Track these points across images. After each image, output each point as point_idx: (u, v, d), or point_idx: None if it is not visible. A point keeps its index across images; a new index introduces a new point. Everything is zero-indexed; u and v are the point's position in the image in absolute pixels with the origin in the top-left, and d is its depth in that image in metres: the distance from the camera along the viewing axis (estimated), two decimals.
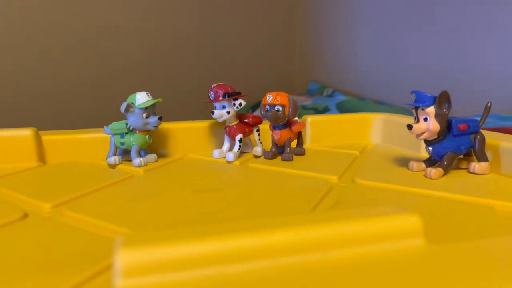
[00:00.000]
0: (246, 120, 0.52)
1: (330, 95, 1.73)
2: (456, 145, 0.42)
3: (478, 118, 0.44)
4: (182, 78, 1.59)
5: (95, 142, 0.52)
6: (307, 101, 1.64)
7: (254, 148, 0.53)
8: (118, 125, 0.49)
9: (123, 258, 0.17)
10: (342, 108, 1.52)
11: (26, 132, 0.49)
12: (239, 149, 0.51)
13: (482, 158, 0.43)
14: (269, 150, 0.52)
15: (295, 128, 0.52)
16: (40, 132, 0.51)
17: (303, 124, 0.53)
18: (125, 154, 0.50)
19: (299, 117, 0.58)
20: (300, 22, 1.99)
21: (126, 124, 0.48)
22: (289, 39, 1.99)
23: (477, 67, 1.33)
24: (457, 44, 1.38)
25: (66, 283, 0.22)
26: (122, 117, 0.49)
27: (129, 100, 0.48)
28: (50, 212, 0.35)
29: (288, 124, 0.51)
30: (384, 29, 1.63)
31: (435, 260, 0.19)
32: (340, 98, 1.62)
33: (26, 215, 0.33)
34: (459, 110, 1.18)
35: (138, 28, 1.45)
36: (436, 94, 0.41)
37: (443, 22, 1.41)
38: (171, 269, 0.17)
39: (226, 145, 0.53)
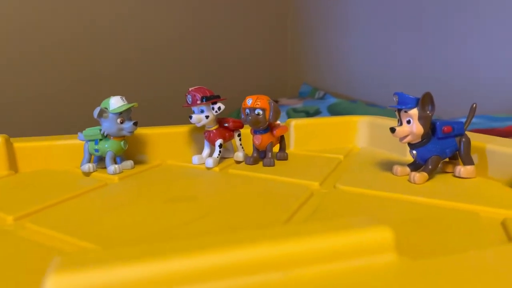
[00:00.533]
0: (227, 125, 0.50)
1: (322, 98, 1.72)
2: (440, 148, 0.41)
3: (464, 120, 0.43)
4: (170, 82, 1.57)
5: (70, 149, 0.50)
6: (299, 104, 1.63)
7: (236, 154, 0.51)
8: (92, 131, 0.47)
9: (53, 284, 0.15)
10: (334, 111, 1.51)
11: None
12: (219, 154, 0.49)
13: (468, 161, 0.41)
14: (250, 155, 0.50)
15: (277, 132, 0.50)
16: (12, 139, 0.49)
17: (285, 128, 0.51)
18: (101, 161, 0.49)
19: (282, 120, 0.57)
20: (291, 25, 1.98)
21: (100, 130, 0.46)
22: (281, 41, 1.98)
23: (468, 68, 1.32)
24: (448, 45, 1.37)
25: None
26: (97, 123, 0.47)
27: (102, 105, 0.46)
28: (11, 225, 0.33)
29: (269, 128, 0.50)
30: (375, 31, 1.63)
31: (405, 277, 0.18)
32: (332, 100, 1.61)
33: None
34: (449, 112, 1.17)
35: (117, 29, 1.42)
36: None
37: (434, 24, 1.41)
38: None
39: (206, 151, 0.51)
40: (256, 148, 0.50)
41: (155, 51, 1.52)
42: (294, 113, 1.52)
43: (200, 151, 0.52)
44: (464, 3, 1.31)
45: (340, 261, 0.18)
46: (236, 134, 0.52)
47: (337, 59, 1.81)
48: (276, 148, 0.52)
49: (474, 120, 1.01)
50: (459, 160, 0.42)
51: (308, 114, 1.52)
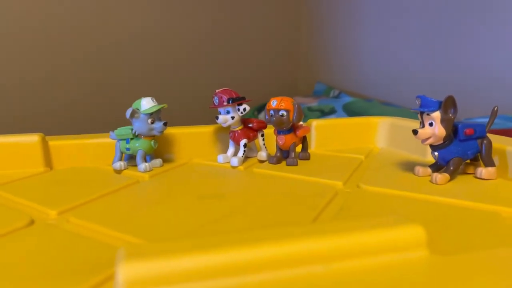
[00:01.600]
0: (251, 125, 0.52)
1: (337, 96, 1.73)
2: (462, 150, 0.42)
3: (485, 121, 0.44)
4: (187, 83, 1.60)
5: (102, 147, 0.52)
6: (313, 103, 1.63)
7: (259, 153, 0.53)
8: (124, 131, 0.49)
9: (125, 270, 0.17)
10: (349, 110, 1.52)
11: (33, 138, 0.50)
12: (243, 154, 0.51)
13: (489, 163, 0.43)
14: (274, 155, 0.52)
15: (300, 133, 0.51)
16: (47, 138, 0.51)
17: (308, 129, 0.53)
18: (131, 159, 0.51)
19: (305, 120, 0.58)
20: (305, 23, 1.98)
21: (132, 129, 0.48)
22: (295, 40, 1.99)
23: (484, 68, 1.31)
24: (464, 45, 1.37)
25: None
26: (129, 122, 0.49)
27: (134, 106, 0.48)
28: (56, 219, 0.35)
29: (292, 128, 0.51)
30: (390, 29, 1.63)
31: (438, 272, 0.19)
32: (347, 99, 1.61)
33: (32, 222, 0.34)
34: (464, 112, 1.17)
35: (143, 35, 1.46)
36: (442, 96, 0.41)
37: (450, 23, 1.40)
38: (173, 282, 0.17)
39: (230, 150, 0.53)
40: (279, 148, 0.52)
41: (179, 56, 1.56)
42: (309, 112, 1.53)
43: (225, 151, 0.54)
44: (481, 3, 1.31)
45: (375, 256, 0.19)
46: (259, 134, 0.53)
47: (352, 58, 1.81)
48: (298, 148, 0.54)
49: None
50: (480, 161, 0.44)
51: (323, 113, 1.53)
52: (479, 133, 0.42)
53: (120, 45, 1.39)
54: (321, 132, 0.59)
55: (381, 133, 0.60)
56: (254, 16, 1.79)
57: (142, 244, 0.19)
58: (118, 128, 0.50)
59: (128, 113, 0.47)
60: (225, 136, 0.54)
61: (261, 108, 1.57)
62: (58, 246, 0.30)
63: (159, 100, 0.49)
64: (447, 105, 0.41)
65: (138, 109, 0.48)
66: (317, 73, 1.97)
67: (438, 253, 0.21)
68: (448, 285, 0.18)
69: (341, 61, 1.86)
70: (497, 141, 0.44)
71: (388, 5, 1.62)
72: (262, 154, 0.53)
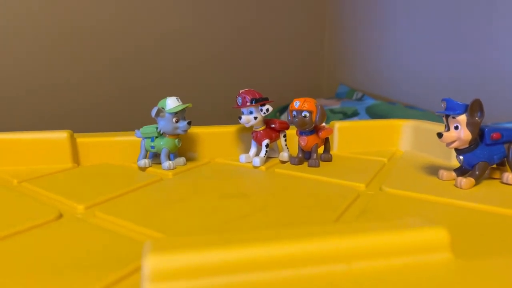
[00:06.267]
0: (273, 126, 0.53)
1: (360, 99, 1.71)
2: (488, 155, 0.41)
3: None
4: (211, 83, 1.61)
5: (127, 145, 0.53)
6: (336, 105, 1.63)
7: (281, 154, 0.53)
8: (149, 129, 0.50)
9: (151, 263, 0.17)
10: (372, 112, 1.50)
11: (62, 135, 0.51)
12: (265, 154, 0.51)
13: None
14: (295, 155, 0.52)
15: (322, 134, 0.51)
16: (75, 135, 0.53)
17: (330, 130, 0.53)
18: (155, 157, 0.52)
19: (327, 122, 0.58)
20: (329, 24, 1.98)
21: (157, 128, 0.50)
22: (318, 41, 1.98)
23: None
24: (492, 48, 1.33)
25: (95, 283, 0.23)
26: (154, 121, 0.50)
27: (159, 105, 0.49)
28: (83, 213, 0.36)
29: (315, 130, 0.51)
30: (415, 32, 1.60)
31: (461, 275, 0.19)
32: (370, 102, 1.60)
33: (61, 216, 0.35)
34: (492, 117, 1.14)
35: (170, 38, 1.49)
36: (468, 100, 0.40)
37: (477, 25, 1.37)
38: (197, 275, 0.18)
39: (252, 150, 0.53)
40: (301, 149, 0.52)
41: (204, 58, 1.59)
42: (332, 114, 1.52)
43: (247, 151, 0.54)
44: (509, 5, 1.27)
45: (398, 257, 0.19)
46: (281, 135, 0.54)
47: (375, 60, 1.79)
48: (320, 150, 0.54)
49: None
50: (507, 166, 0.43)
51: (346, 115, 1.52)
52: (507, 137, 0.41)
53: (147, 47, 1.43)
54: (344, 134, 0.59)
55: (404, 136, 0.60)
56: (278, 19, 1.80)
57: (168, 238, 0.19)
58: (144, 127, 0.51)
59: (153, 112, 0.48)
60: (247, 136, 0.55)
61: (283, 109, 1.57)
62: (86, 239, 0.31)
63: (184, 100, 0.50)
64: (474, 108, 0.40)
65: (163, 108, 0.49)
66: (341, 75, 1.96)
67: (461, 257, 0.21)
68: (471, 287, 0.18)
69: (364, 63, 1.85)
70: None
71: (412, 8, 1.60)
72: (284, 155, 0.53)
